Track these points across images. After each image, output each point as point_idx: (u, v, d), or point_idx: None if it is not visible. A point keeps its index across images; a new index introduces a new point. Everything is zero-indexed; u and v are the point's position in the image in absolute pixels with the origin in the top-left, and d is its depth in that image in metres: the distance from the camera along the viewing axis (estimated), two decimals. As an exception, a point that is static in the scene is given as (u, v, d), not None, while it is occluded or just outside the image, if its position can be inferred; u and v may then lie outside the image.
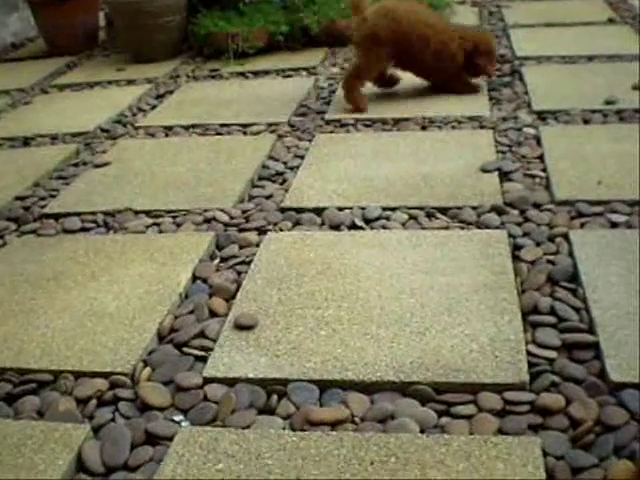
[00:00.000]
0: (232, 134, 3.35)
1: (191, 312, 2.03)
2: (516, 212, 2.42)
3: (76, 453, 1.56)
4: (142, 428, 1.63)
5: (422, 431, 1.57)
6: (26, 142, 3.49)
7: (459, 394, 1.66)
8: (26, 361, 1.86)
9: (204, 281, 2.18)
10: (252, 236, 2.39)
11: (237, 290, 2.09)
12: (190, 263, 2.24)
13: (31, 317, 2.04)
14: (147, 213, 2.62)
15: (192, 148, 3.18)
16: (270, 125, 3.40)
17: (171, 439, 1.58)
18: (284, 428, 1.61)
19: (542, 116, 3.24)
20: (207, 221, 2.52)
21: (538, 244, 2.23)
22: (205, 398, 1.72)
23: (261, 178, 2.86)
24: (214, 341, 1.89)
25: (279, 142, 3.19)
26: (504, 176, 2.67)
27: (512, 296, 1.96)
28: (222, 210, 2.57)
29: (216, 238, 2.40)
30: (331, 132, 3.26)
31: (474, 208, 2.45)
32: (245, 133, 3.35)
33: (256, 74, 4.28)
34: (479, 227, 2.35)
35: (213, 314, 2.01)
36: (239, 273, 2.20)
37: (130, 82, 4.39)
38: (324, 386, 1.70)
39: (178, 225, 2.52)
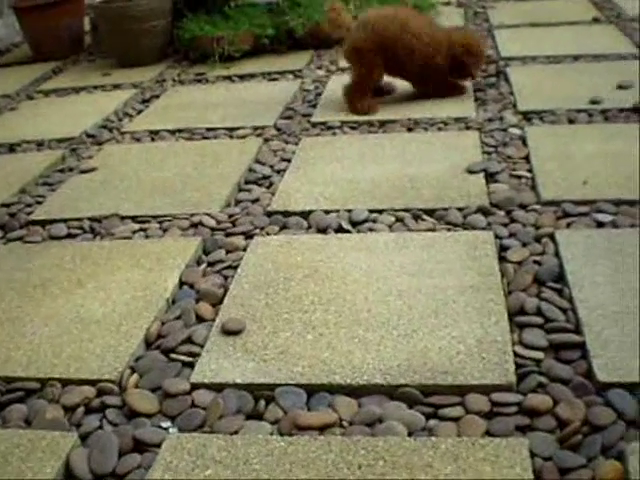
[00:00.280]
0: (218, 138, 3.35)
1: (178, 318, 2.03)
2: (502, 213, 2.42)
3: (64, 461, 1.55)
4: (130, 435, 1.63)
5: (410, 434, 1.57)
6: (12, 148, 3.48)
7: (446, 396, 1.66)
8: (13, 369, 1.85)
9: (191, 286, 2.17)
10: (239, 240, 2.39)
11: (224, 295, 2.09)
12: (177, 268, 2.24)
13: (17, 325, 2.03)
14: (133, 218, 2.61)
15: (178, 153, 3.18)
16: (256, 129, 3.40)
17: (159, 446, 1.57)
18: (272, 433, 1.60)
19: (528, 116, 3.24)
20: (194, 226, 2.52)
21: (524, 245, 2.23)
22: (193, 404, 1.71)
23: (248, 182, 2.85)
24: (201, 346, 1.88)
25: (265, 146, 3.18)
26: (490, 177, 2.67)
27: (499, 297, 1.96)
28: (209, 215, 2.57)
29: (203, 243, 2.39)
30: (317, 135, 3.26)
31: (460, 209, 2.45)
32: (231, 137, 3.35)
33: (242, 77, 4.28)
34: (465, 228, 2.35)
35: (200, 319, 2.01)
36: (226, 278, 2.20)
37: (116, 87, 4.38)
38: (312, 390, 1.70)
39: (165, 230, 2.52)
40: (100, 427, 1.68)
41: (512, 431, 1.56)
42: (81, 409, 1.73)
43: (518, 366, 1.72)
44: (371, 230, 2.39)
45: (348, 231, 2.39)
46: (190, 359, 1.85)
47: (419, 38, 3.37)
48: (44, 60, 5.15)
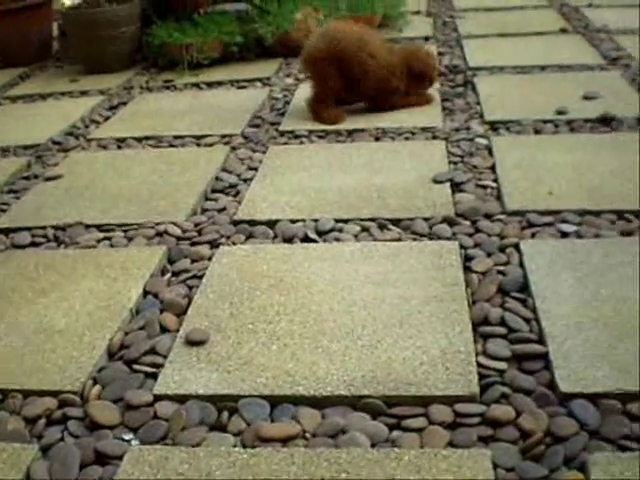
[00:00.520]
0: (186, 146, 3.33)
1: (142, 328, 2.01)
2: (467, 223, 2.43)
3: (25, 473, 1.54)
4: (91, 447, 1.61)
5: (373, 445, 1.57)
6: (-23, 155, 3.45)
7: (410, 407, 1.66)
8: (-27, 380, 1.83)
9: (155, 296, 2.16)
10: (204, 250, 2.38)
11: (188, 305, 2.08)
12: (141, 278, 2.22)
13: (-22, 335, 2.01)
14: (98, 227, 2.59)
15: (145, 160, 3.16)
16: (224, 137, 3.39)
17: (121, 458, 1.56)
18: (235, 445, 1.59)
19: (494, 126, 3.27)
20: (159, 235, 2.50)
21: (489, 255, 2.24)
22: (155, 416, 1.70)
23: (214, 191, 2.84)
24: (165, 357, 1.87)
25: (233, 154, 3.18)
26: (456, 187, 2.68)
27: (463, 307, 1.97)
28: (174, 223, 2.55)
29: (168, 252, 2.38)
30: (285, 144, 3.26)
31: (426, 219, 2.46)
32: (199, 145, 3.34)
33: (210, 85, 4.27)
34: (431, 238, 2.36)
35: (164, 330, 2.00)
36: (191, 288, 2.18)
37: (83, 93, 4.35)
38: (275, 402, 1.70)
39: (130, 239, 2.50)
40: (61, 439, 1.66)
41: (475, 442, 1.56)
42: (42, 421, 1.71)
43: (481, 377, 1.73)
44: (337, 240, 2.39)
45: (314, 241, 2.39)
46: (153, 370, 1.84)
47: (375, 58, 3.39)
48: (12, 66, 5.10)
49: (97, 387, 1.80)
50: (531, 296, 2.01)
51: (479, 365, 1.76)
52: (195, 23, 4.68)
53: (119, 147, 3.40)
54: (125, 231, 2.55)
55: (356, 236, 2.41)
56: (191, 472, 1.49)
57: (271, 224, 2.51)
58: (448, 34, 5.07)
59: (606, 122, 3.21)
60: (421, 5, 6.03)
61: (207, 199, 2.78)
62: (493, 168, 2.82)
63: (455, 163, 2.90)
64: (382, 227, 2.44)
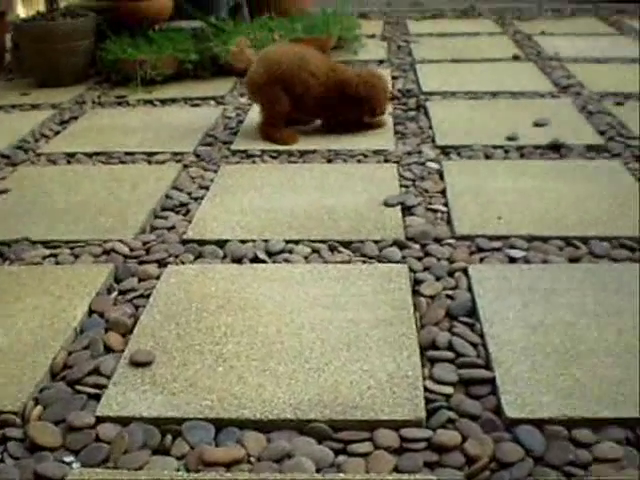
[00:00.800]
0: (136, 163, 3.30)
1: (86, 348, 1.97)
2: (417, 246, 2.44)
3: (-39, 496, 1.50)
4: (31, 469, 1.57)
5: (318, 470, 1.55)
6: None
7: (356, 431, 1.65)
8: None
9: (100, 315, 2.12)
10: (152, 269, 2.35)
11: (134, 325, 2.05)
12: (87, 296, 2.18)
13: None
14: (44, 243, 2.54)
15: (94, 176, 3.12)
16: (176, 154, 3.37)
17: (61, 481, 1.53)
18: (178, 469, 1.57)
19: (445, 151, 3.29)
20: (106, 253, 2.46)
21: (438, 279, 2.25)
22: (97, 438, 1.66)
23: (164, 209, 2.82)
24: (108, 378, 1.83)
25: (184, 172, 3.15)
26: (407, 210, 2.69)
27: (411, 331, 1.97)
28: (122, 241, 2.52)
29: (115, 270, 2.34)
30: (237, 163, 3.25)
31: (376, 242, 2.46)
32: (150, 162, 3.31)
33: (163, 102, 4.24)
34: (381, 261, 2.36)
35: (108, 350, 1.96)
36: (137, 307, 2.15)
37: (34, 107, 4.29)
38: (220, 425, 1.67)
39: (76, 256, 2.46)
40: (1, 460, 1.61)
41: (421, 467, 1.56)
42: (-19, 442, 1.67)
43: (428, 401, 1.73)
44: (287, 261, 2.38)
45: (264, 261, 2.37)
46: (96, 391, 1.80)
47: (316, 76, 3.39)
48: (-38, 77, 5.02)
49: (38, 408, 1.76)
50: (479, 321, 2.02)
51: (426, 389, 1.76)
52: (150, 39, 4.66)
53: (69, 162, 3.35)
54: (72, 248, 2.51)
55: (306, 257, 2.40)
56: (132, 496, 1.47)
57: (221, 244, 2.49)
58: (402, 58, 5.11)
59: (556, 149, 3.26)
60: (376, 29, 6.08)
61: (156, 217, 2.75)
62: (444, 192, 2.84)
63: (406, 186, 2.91)
64: (332, 249, 2.44)
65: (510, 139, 3.38)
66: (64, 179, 3.11)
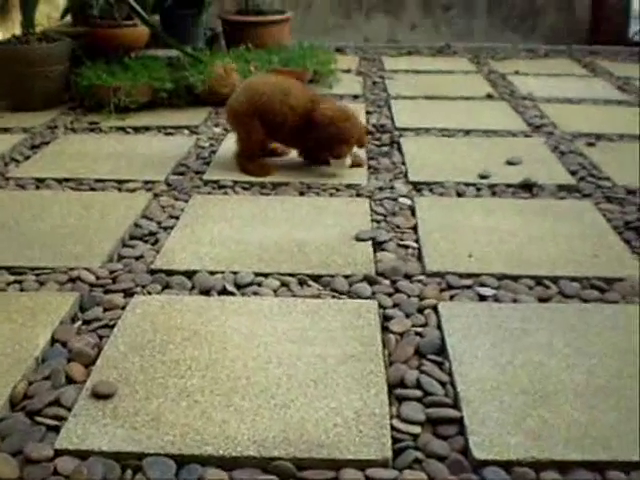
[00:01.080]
0: (106, 190, 3.26)
1: (47, 378, 1.92)
2: (387, 282, 2.42)
3: None
4: (-15, 503, 1.53)
5: (281, 510, 1.52)
6: None
7: (321, 470, 1.61)
8: None
9: (63, 345, 2.07)
10: (118, 298, 2.31)
11: (98, 355, 2.00)
12: (50, 325, 2.14)
13: None
14: (9, 269, 2.49)
15: (63, 203, 3.08)
16: (147, 183, 3.33)
17: (15, 516, 1.48)
18: (136, 506, 1.53)
19: (418, 187, 3.29)
20: (72, 280, 2.42)
21: (407, 316, 2.23)
22: (55, 471, 1.61)
23: (132, 237, 2.78)
24: (69, 410, 1.78)
25: (155, 201, 3.12)
26: (378, 245, 2.68)
27: (379, 368, 1.94)
28: (88, 269, 2.47)
29: (80, 299, 2.30)
30: (209, 193, 3.22)
31: (346, 277, 2.44)
32: (120, 190, 3.27)
33: (137, 130, 4.21)
34: (350, 297, 2.34)
35: (70, 381, 1.91)
36: (101, 337, 2.11)
37: (5, 130, 4.23)
38: (182, 461, 1.63)
39: (41, 284, 2.41)
40: (-46, 493, 1.57)
41: (385, 509, 1.53)
42: None
43: (395, 441, 1.70)
44: (256, 294, 2.35)
45: (232, 294, 2.34)
46: (56, 423, 1.75)
47: (294, 108, 3.38)
48: None
49: (-4, 438, 1.71)
50: (448, 359, 2.00)
51: (393, 428, 1.74)
52: (125, 66, 4.64)
53: (37, 187, 3.31)
54: (37, 275, 2.46)
55: (275, 291, 2.37)
56: (87, 534, 1.42)
57: (189, 275, 2.45)
58: (377, 94, 5.13)
59: (528, 188, 3.27)
60: (352, 64, 6.11)
61: (125, 246, 2.71)
62: (415, 228, 2.83)
63: (378, 222, 2.90)
64: (302, 283, 2.41)
65: (482, 177, 3.39)
66: (32, 204, 3.06)
